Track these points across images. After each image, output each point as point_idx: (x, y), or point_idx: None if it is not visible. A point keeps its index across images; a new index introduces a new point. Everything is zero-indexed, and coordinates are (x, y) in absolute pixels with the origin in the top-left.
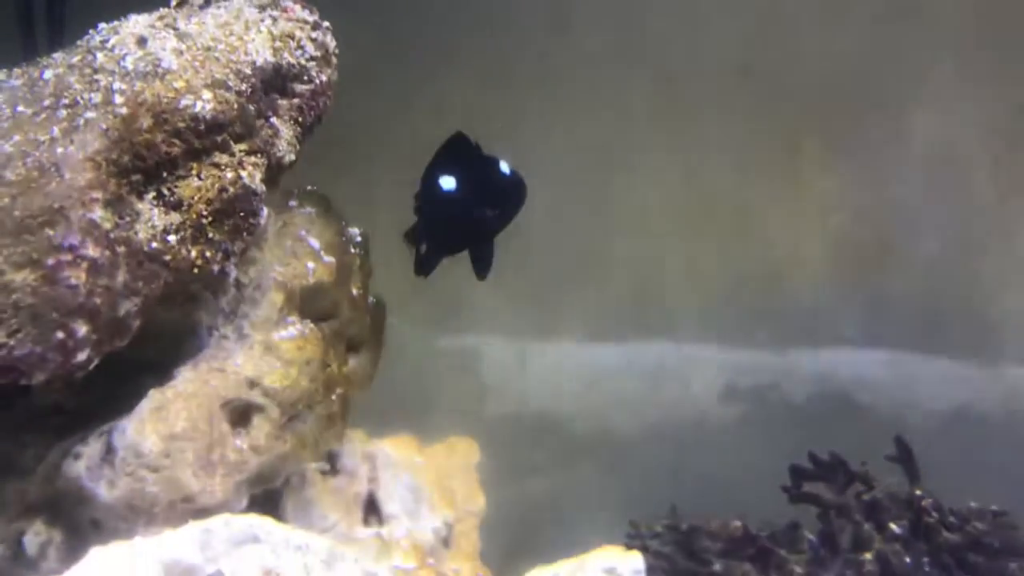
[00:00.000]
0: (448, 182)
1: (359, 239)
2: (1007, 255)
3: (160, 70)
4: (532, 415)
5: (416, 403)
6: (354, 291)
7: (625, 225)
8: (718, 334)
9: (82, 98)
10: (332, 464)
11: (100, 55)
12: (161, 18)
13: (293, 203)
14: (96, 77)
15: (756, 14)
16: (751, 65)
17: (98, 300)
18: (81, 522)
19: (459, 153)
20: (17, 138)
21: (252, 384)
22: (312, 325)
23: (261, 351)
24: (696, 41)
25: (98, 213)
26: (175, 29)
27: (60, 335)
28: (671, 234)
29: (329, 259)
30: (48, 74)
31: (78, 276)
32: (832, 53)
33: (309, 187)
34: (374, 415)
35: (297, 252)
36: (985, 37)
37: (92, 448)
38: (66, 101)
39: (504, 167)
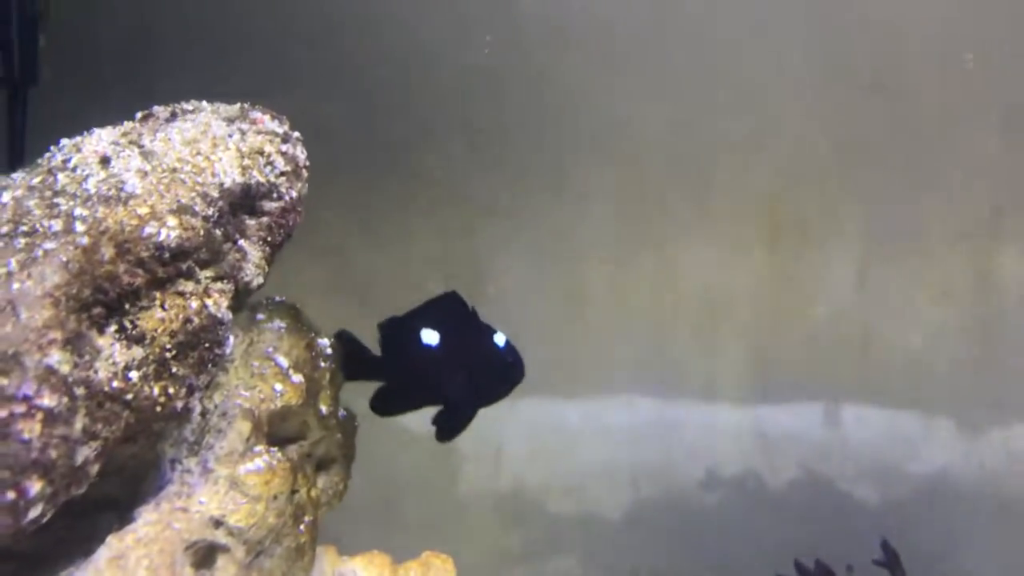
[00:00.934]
0: (431, 336)
1: (329, 351)
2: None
3: (123, 194)
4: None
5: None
6: (323, 408)
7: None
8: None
9: (41, 225)
10: None
11: (61, 176)
12: (125, 134)
13: (261, 316)
14: (56, 201)
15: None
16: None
17: (53, 453)
18: None
19: (449, 312)
20: None
21: (217, 524)
22: (279, 454)
23: (226, 487)
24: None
25: (55, 356)
26: (140, 147)
27: (10, 496)
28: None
29: (297, 378)
30: (6, 197)
31: (31, 429)
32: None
33: (278, 298)
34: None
35: (264, 373)
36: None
37: None
38: (24, 228)
39: (500, 339)
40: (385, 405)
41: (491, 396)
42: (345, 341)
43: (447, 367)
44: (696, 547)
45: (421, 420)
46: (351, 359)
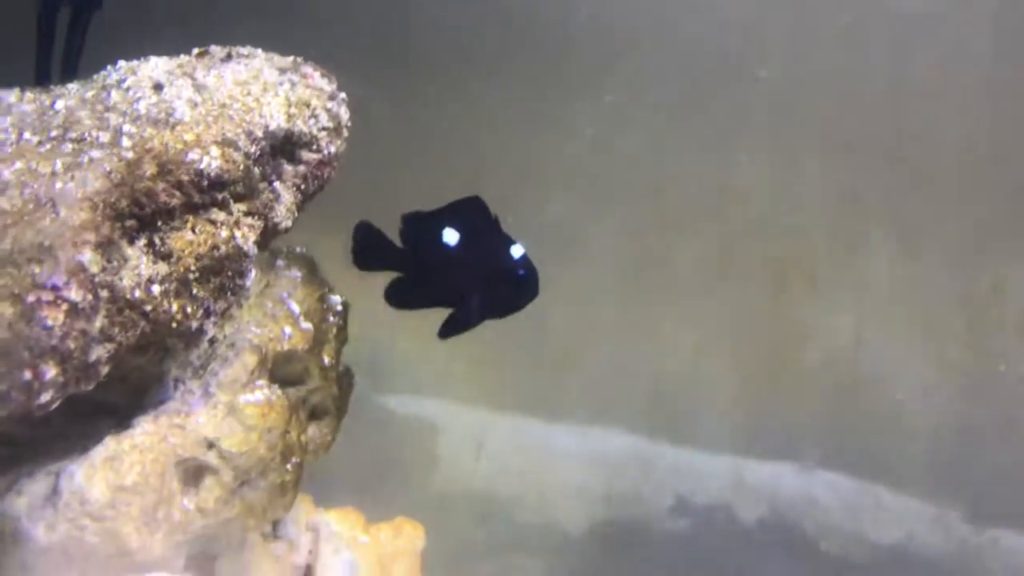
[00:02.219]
0: (451, 236)
1: (339, 308)
2: None
3: (172, 120)
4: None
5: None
6: (326, 359)
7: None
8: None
9: (90, 135)
10: (274, 527)
11: (115, 94)
12: (181, 65)
13: (280, 263)
14: (107, 116)
15: None
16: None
17: (72, 344)
18: (9, 564)
19: (472, 215)
20: (19, 166)
21: (210, 445)
22: (279, 392)
23: (224, 412)
24: None
25: (87, 255)
26: (193, 79)
27: (27, 375)
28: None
29: (307, 326)
30: (60, 104)
31: (55, 318)
32: None
33: (298, 248)
34: (322, 470)
35: (276, 315)
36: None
37: (38, 487)
38: (73, 135)
39: (517, 251)
40: (399, 297)
41: (501, 308)
42: (365, 230)
43: (463, 269)
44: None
45: (408, 404)
46: (371, 248)
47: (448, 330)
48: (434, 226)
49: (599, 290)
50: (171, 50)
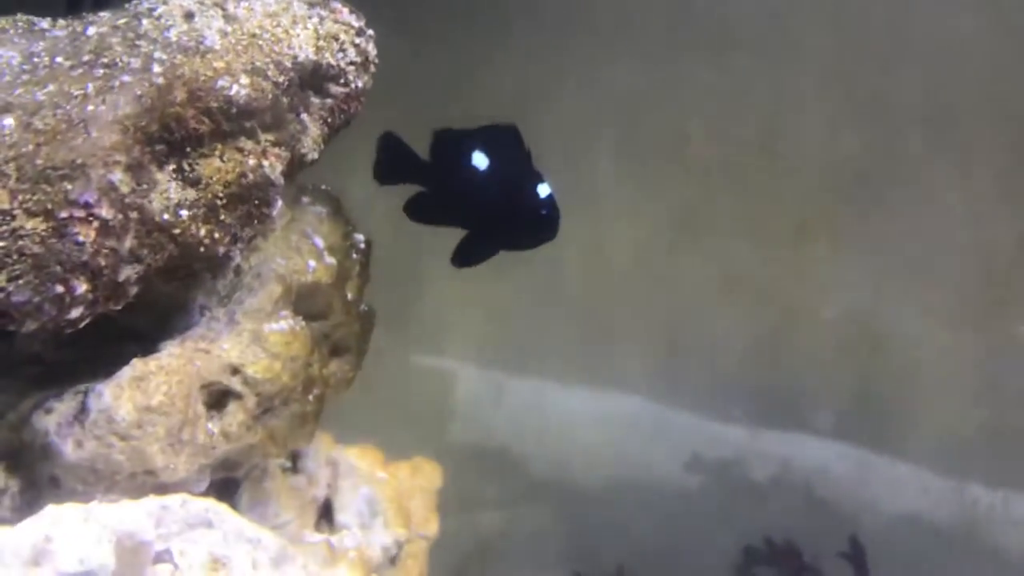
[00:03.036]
0: (481, 159)
1: (363, 245)
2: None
3: (202, 48)
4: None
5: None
6: (349, 295)
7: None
8: (693, 401)
9: (121, 60)
10: (294, 462)
11: (146, 21)
12: None
13: (305, 199)
14: (138, 43)
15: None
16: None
17: (102, 261)
18: (40, 477)
19: (505, 144)
20: (51, 88)
21: (235, 371)
22: (303, 323)
23: (249, 339)
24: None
25: (118, 175)
26: (223, 10)
27: (59, 289)
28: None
29: (330, 260)
30: (91, 31)
31: (87, 234)
32: None
33: (323, 186)
34: (341, 417)
35: (301, 248)
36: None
37: (66, 405)
38: (105, 60)
39: (544, 189)
40: (418, 210)
41: (517, 242)
42: (391, 141)
43: (486, 196)
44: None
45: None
46: (396, 159)
47: (461, 256)
48: (465, 146)
49: (621, 247)
50: None
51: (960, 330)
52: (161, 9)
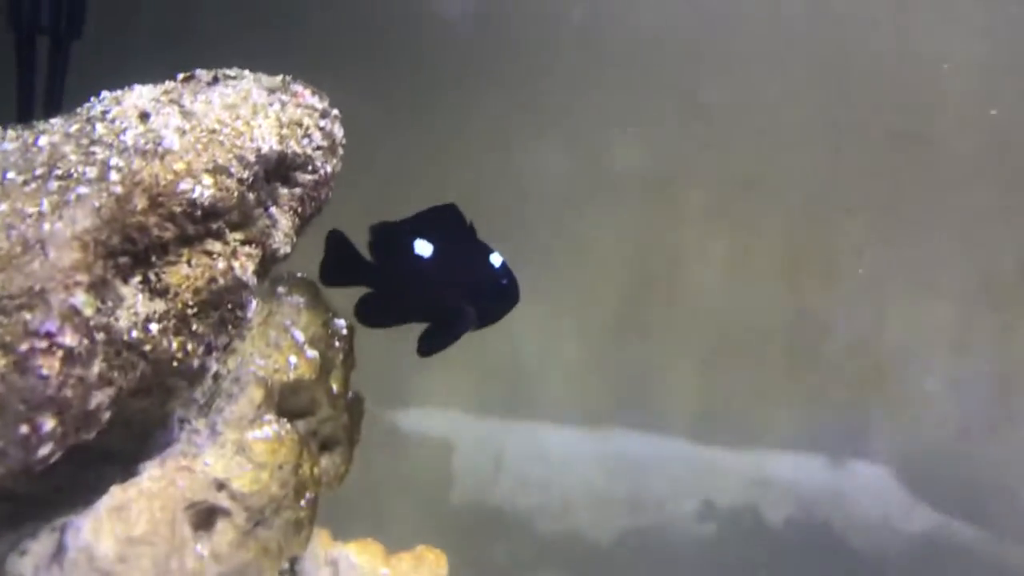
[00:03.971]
0: (424, 247)
1: (344, 332)
2: None
3: (161, 149)
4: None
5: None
6: (334, 387)
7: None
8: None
9: (76, 171)
10: (292, 565)
11: (100, 126)
12: (166, 92)
13: (281, 290)
14: (93, 149)
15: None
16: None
17: (69, 392)
18: None
19: (445, 224)
20: (4, 208)
21: (220, 486)
22: (288, 425)
23: (233, 451)
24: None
25: (80, 298)
26: (180, 106)
27: (24, 429)
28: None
29: (312, 354)
30: (43, 141)
31: (51, 366)
32: None
33: (299, 273)
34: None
35: (280, 345)
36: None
37: (42, 545)
38: (59, 172)
39: (496, 259)
40: (370, 313)
41: (482, 319)
42: (336, 241)
43: (438, 281)
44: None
45: (420, 423)
46: (340, 260)
47: (427, 345)
48: (405, 237)
49: (606, 293)
50: (157, 73)
51: (966, 356)
52: (115, 111)
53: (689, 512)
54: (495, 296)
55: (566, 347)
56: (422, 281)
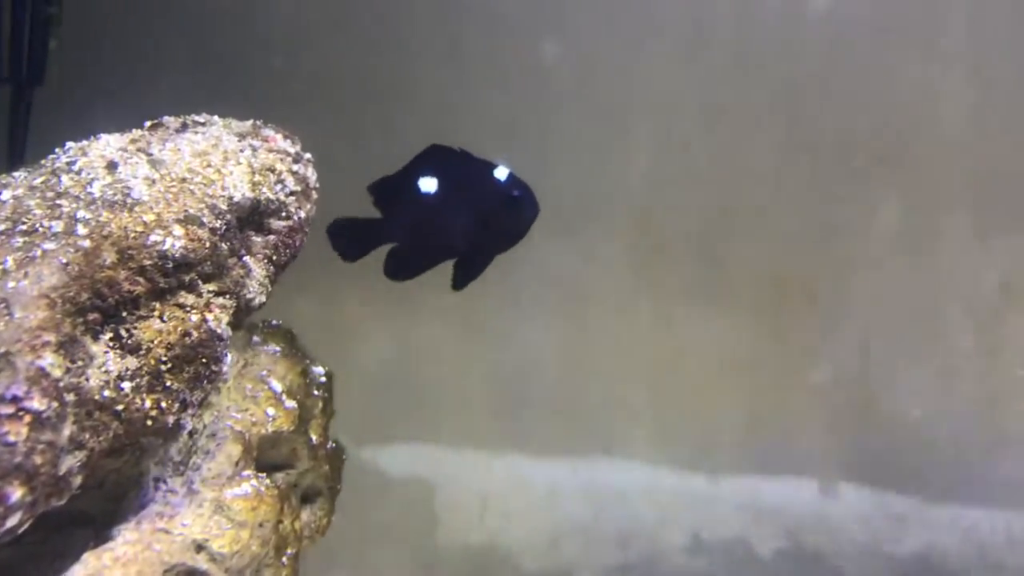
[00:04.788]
0: (428, 183)
1: (323, 379)
2: None
3: (130, 200)
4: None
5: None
6: (314, 438)
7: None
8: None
9: (42, 225)
10: None
11: (65, 178)
12: (134, 141)
13: (256, 339)
14: (59, 203)
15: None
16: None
17: (38, 459)
18: None
19: (441, 159)
20: None
21: (199, 548)
22: (268, 481)
23: (211, 510)
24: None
25: (48, 359)
26: (148, 155)
27: None
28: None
29: (291, 404)
30: (6, 195)
31: (18, 432)
32: None
33: (274, 321)
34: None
35: (257, 397)
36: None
37: None
38: (24, 227)
39: (502, 172)
40: (398, 267)
41: (506, 239)
42: (340, 225)
43: (452, 213)
44: None
45: (401, 463)
46: (352, 235)
47: (461, 279)
48: (406, 183)
49: (591, 321)
50: (123, 120)
51: (952, 380)
52: (81, 162)
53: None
54: (509, 211)
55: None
56: (435, 218)
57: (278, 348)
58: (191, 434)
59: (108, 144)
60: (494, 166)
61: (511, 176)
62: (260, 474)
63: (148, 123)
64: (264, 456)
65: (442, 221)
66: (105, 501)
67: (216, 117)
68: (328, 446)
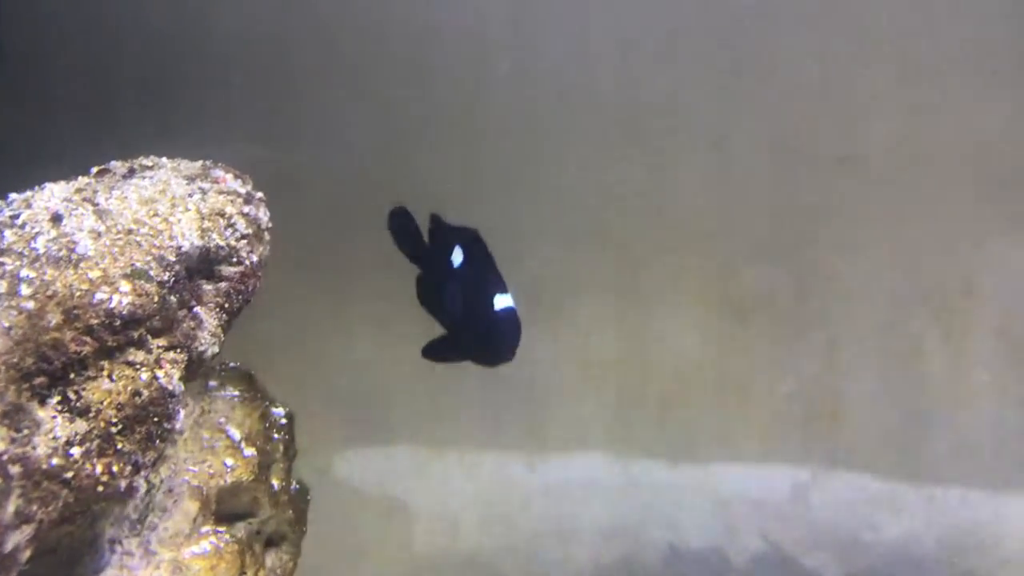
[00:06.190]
0: (458, 255)
1: (284, 421)
2: None
3: (75, 256)
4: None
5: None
6: (275, 484)
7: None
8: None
9: None
10: None
11: (8, 233)
12: (79, 190)
13: (213, 384)
14: (1, 260)
15: None
16: None
17: None
18: None
19: (473, 246)
20: None
21: None
22: (227, 535)
23: (169, 571)
24: None
25: None
26: (94, 204)
27: None
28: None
29: (250, 452)
30: None
31: None
32: None
33: (232, 364)
34: None
35: (215, 447)
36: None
37: None
38: None
39: (503, 300)
40: (421, 295)
41: (479, 356)
42: (403, 216)
43: (459, 295)
44: None
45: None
46: (408, 234)
47: (430, 350)
48: (449, 238)
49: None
50: (74, 160)
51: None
52: (25, 215)
53: None
54: (491, 339)
55: None
56: (451, 285)
57: (236, 392)
58: (148, 491)
59: (53, 194)
60: (504, 289)
61: (510, 309)
62: (219, 528)
63: (95, 169)
64: (224, 507)
65: (451, 294)
66: (58, 567)
67: (165, 159)
68: (292, 488)
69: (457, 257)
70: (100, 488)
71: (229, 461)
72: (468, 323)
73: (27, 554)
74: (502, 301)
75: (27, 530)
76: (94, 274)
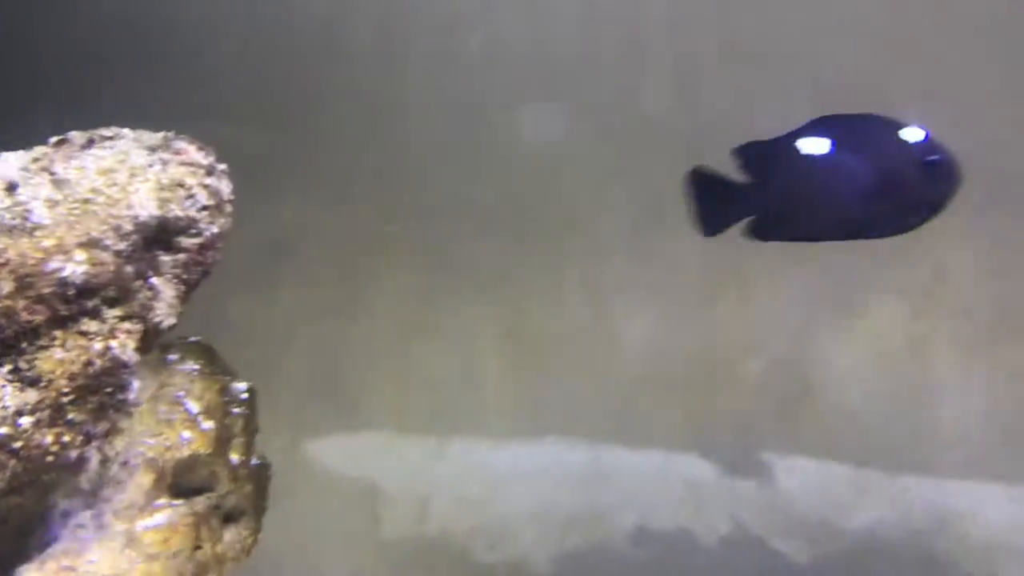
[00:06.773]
0: (816, 145)
1: (245, 395)
2: None
3: (29, 224)
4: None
5: None
6: (234, 458)
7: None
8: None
9: None
10: None
11: None
12: (37, 159)
13: (173, 357)
14: None
15: None
16: None
17: None
18: None
19: (833, 122)
20: None
21: None
22: (183, 508)
23: (122, 544)
24: None
25: None
26: (51, 174)
27: None
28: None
29: (208, 425)
30: None
31: None
32: None
33: (193, 338)
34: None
35: (172, 420)
36: None
37: None
38: None
39: (914, 134)
40: (770, 228)
41: (914, 213)
42: (705, 179)
43: (844, 179)
44: None
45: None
46: (716, 197)
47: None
48: (782, 147)
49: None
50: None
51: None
52: None
53: None
54: (923, 180)
55: None
56: (824, 186)
57: (196, 366)
58: (103, 463)
59: (8, 163)
60: (901, 125)
61: (928, 138)
62: (175, 501)
63: (53, 139)
64: (181, 480)
65: (833, 189)
66: (8, 540)
67: (127, 130)
68: (252, 463)
69: (817, 146)
70: (50, 458)
71: (186, 434)
72: (879, 188)
73: None
74: (912, 134)
75: None
76: (48, 243)
